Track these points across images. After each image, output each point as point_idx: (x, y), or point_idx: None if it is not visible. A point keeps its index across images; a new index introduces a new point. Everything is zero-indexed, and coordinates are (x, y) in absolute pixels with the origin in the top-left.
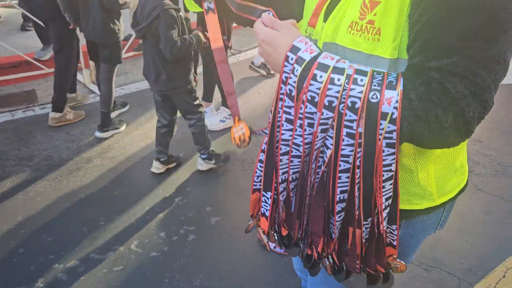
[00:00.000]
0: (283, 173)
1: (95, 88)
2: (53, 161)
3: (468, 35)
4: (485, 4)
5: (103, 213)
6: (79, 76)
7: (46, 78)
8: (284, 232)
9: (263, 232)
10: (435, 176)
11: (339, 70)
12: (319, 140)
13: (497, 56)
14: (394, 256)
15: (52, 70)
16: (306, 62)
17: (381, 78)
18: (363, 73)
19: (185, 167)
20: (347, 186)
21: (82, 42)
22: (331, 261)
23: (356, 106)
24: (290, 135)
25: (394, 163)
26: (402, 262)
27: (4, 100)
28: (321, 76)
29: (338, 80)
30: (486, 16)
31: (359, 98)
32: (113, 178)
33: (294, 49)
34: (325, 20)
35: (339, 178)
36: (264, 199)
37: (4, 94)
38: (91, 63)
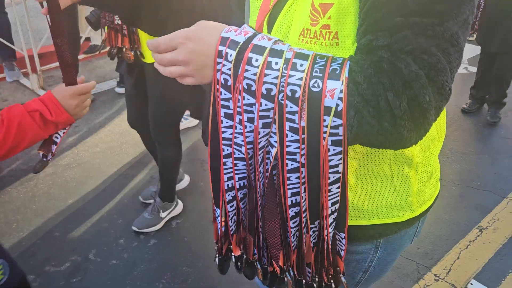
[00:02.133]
0: (228, 179)
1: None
2: (1, 172)
3: (417, 12)
4: None
5: (58, 223)
6: (26, 82)
7: None
8: (237, 253)
9: (216, 252)
10: (414, 182)
11: (276, 53)
12: (262, 137)
13: (450, 36)
14: (339, 269)
15: None
16: (240, 45)
17: (323, 63)
18: (304, 56)
19: (143, 170)
20: (298, 187)
21: (27, 46)
22: (292, 274)
23: (296, 95)
24: (231, 134)
25: (341, 163)
26: (345, 282)
27: None
28: (257, 60)
29: (276, 64)
30: None
31: (299, 86)
32: (66, 186)
33: (224, 40)
34: (269, 32)
35: (289, 179)
36: (217, 215)
37: None
38: (39, 67)
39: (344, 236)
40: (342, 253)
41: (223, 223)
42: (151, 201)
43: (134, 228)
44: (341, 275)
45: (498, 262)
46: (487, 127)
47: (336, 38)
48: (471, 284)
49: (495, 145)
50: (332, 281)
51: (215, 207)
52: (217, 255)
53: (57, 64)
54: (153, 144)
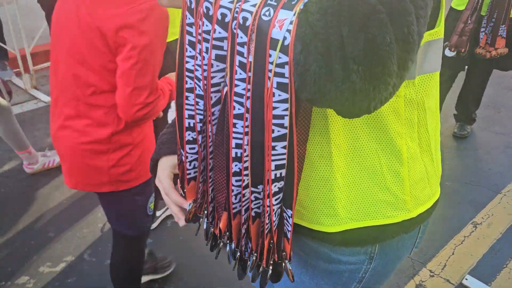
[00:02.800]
0: (189, 116)
1: (38, 93)
2: None
3: None
4: None
5: (52, 224)
6: (18, 82)
7: None
8: (190, 198)
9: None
10: (408, 179)
11: None
12: (216, 71)
13: None
14: (285, 253)
15: None
16: None
17: None
18: None
19: None
20: (241, 138)
21: (20, 45)
22: (231, 244)
23: (247, 23)
24: (193, 65)
25: (287, 115)
26: (291, 269)
27: None
28: None
29: None
30: None
31: (251, 13)
32: (61, 187)
33: None
34: None
35: (234, 126)
36: (180, 159)
37: None
38: (32, 67)
39: (291, 214)
40: (288, 235)
41: (183, 164)
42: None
43: None
44: (287, 261)
45: (492, 257)
46: (481, 124)
47: None
48: (466, 279)
49: (488, 141)
50: (270, 267)
51: (180, 150)
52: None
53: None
54: None
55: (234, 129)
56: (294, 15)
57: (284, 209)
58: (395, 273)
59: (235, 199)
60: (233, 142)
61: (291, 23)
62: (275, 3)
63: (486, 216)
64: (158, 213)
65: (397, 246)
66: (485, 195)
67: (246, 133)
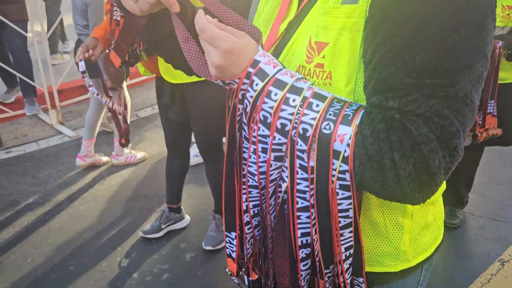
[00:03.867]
0: (245, 200)
1: (62, 128)
2: (18, 206)
3: (427, 72)
4: (444, 38)
5: (72, 257)
6: (45, 117)
7: (11, 121)
8: (254, 277)
9: (231, 275)
10: (408, 231)
11: (296, 90)
12: (273, 169)
13: (463, 96)
14: None
15: (18, 113)
16: (268, 77)
17: (339, 107)
18: (321, 98)
19: (158, 204)
20: (309, 228)
21: (47, 82)
22: None
23: (307, 134)
24: (248, 156)
25: (351, 208)
26: None
27: None
28: (276, 94)
29: (293, 101)
30: (446, 50)
31: (311, 125)
32: (82, 220)
33: (255, 63)
34: None
35: (299, 217)
36: (229, 240)
37: None
38: (58, 103)
39: (363, 281)
40: None
41: (238, 246)
42: (154, 235)
43: (208, 248)
44: None
45: None
46: (506, 156)
47: (329, 78)
48: None
49: None
50: None
51: (226, 232)
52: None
53: (75, 99)
54: (184, 165)
55: (298, 220)
56: (352, 131)
57: (355, 278)
58: None
59: (304, 282)
60: (299, 232)
61: (350, 138)
62: (334, 118)
63: None
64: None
65: (397, 285)
66: None
67: (314, 224)
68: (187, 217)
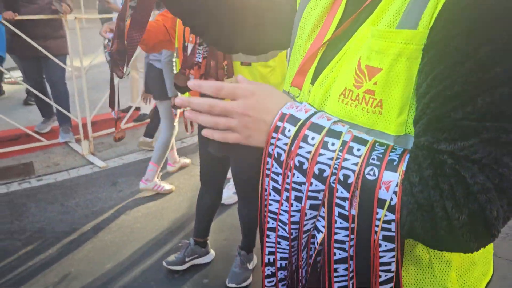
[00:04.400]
0: (270, 253)
1: (93, 159)
2: (45, 234)
3: (489, 114)
4: (511, 79)
5: (90, 284)
6: (77, 147)
7: (44, 150)
8: None
9: None
10: (456, 267)
11: (334, 133)
12: (308, 219)
13: None
14: None
15: (51, 142)
16: (301, 122)
17: (382, 151)
18: (362, 141)
19: (183, 237)
20: (346, 281)
21: (82, 114)
22: None
23: (349, 181)
24: (277, 208)
25: (394, 261)
26: None
27: (0, 173)
28: (313, 138)
29: (333, 145)
30: (510, 93)
31: (353, 171)
32: (106, 250)
33: (283, 116)
34: (312, 82)
35: (336, 270)
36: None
37: (1, 167)
38: (91, 134)
39: None
40: None
41: None
42: (178, 267)
43: (232, 285)
44: None
45: None
46: None
47: (379, 106)
48: None
49: None
50: None
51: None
52: None
53: (107, 131)
54: (215, 200)
55: (335, 273)
56: (399, 177)
57: None
58: None
59: None
60: (336, 286)
61: (396, 185)
62: (378, 163)
63: None
64: (249, 266)
65: None
66: None
67: (351, 278)
68: (212, 252)
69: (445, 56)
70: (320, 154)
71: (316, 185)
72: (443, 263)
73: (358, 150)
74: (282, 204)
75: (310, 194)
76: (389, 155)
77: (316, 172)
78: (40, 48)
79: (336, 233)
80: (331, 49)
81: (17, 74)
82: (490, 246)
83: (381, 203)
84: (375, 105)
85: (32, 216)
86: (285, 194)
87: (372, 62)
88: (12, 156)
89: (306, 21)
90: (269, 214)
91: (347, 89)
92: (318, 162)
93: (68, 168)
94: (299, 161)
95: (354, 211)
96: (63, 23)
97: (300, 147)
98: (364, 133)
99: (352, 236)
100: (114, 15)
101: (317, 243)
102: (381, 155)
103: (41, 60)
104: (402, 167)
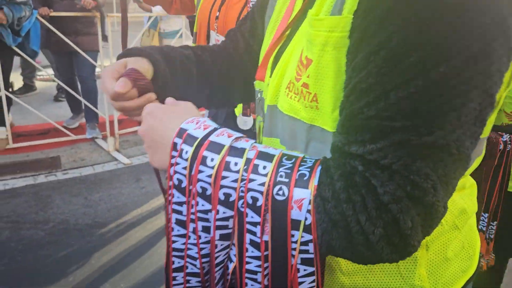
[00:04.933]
0: None
1: (118, 155)
2: (68, 225)
3: (402, 111)
4: (426, 71)
5: (112, 279)
6: (103, 143)
7: (71, 145)
8: None
9: None
10: (425, 264)
11: (237, 152)
12: (220, 251)
13: (445, 144)
14: None
15: (79, 137)
16: (198, 140)
17: (291, 165)
18: (268, 157)
19: None
20: None
21: (110, 112)
22: None
23: (258, 204)
24: (183, 243)
25: (314, 286)
26: None
27: (28, 165)
28: (212, 160)
29: (235, 165)
30: (427, 86)
31: (261, 193)
32: (126, 244)
33: (182, 132)
34: (271, 75)
35: None
36: None
37: (30, 160)
38: (117, 131)
39: None
40: None
41: None
42: None
43: None
44: None
45: None
46: None
47: (315, 101)
48: None
49: None
50: None
51: None
52: None
53: (132, 129)
54: None
55: None
56: (311, 194)
57: None
58: None
59: None
60: None
61: (309, 203)
62: (287, 180)
63: None
64: None
65: None
66: None
67: None
68: None
69: (362, 45)
70: (223, 177)
71: (224, 212)
72: (408, 259)
73: (264, 167)
74: (189, 238)
75: (218, 223)
76: (298, 170)
77: (222, 197)
78: (70, 43)
79: (247, 263)
80: (287, 41)
81: (51, 72)
82: (472, 239)
83: (295, 224)
84: (311, 99)
85: (57, 207)
86: (191, 225)
87: (308, 53)
88: (41, 150)
89: (271, 14)
90: (174, 253)
91: (291, 82)
92: (222, 186)
93: (93, 163)
94: (201, 187)
95: (266, 237)
96: (94, 20)
97: (200, 171)
98: (302, 138)
99: (266, 265)
100: (146, 15)
101: (229, 273)
102: (289, 171)
103: (73, 56)
104: (314, 181)
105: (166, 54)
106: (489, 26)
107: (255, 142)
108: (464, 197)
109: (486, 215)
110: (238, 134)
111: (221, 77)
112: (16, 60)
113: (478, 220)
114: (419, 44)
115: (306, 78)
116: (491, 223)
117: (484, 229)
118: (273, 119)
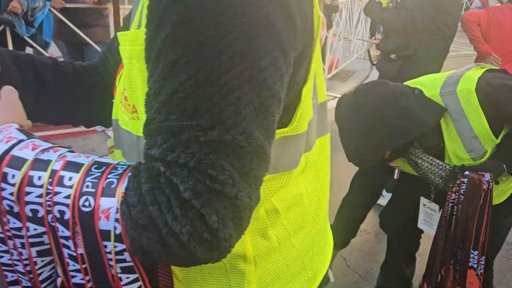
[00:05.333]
0: None
1: None
2: None
3: (185, 112)
4: (187, 66)
5: None
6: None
7: (82, 136)
8: None
9: None
10: (254, 280)
11: (41, 164)
12: (42, 267)
13: (230, 137)
14: None
15: (90, 129)
16: None
17: (99, 174)
18: (75, 167)
19: None
20: None
21: None
22: None
23: (66, 217)
24: (9, 259)
25: None
26: None
27: None
28: (13, 176)
29: (39, 179)
30: (197, 84)
31: (67, 205)
32: None
33: None
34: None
35: None
36: None
37: None
38: None
39: None
40: None
41: None
42: None
43: None
44: None
45: None
46: None
47: (136, 112)
48: None
49: None
50: None
51: None
52: None
53: None
54: None
55: None
56: (118, 202)
57: None
58: None
59: None
60: None
61: (117, 211)
62: (93, 190)
63: None
64: None
65: None
66: None
67: None
68: None
69: (150, 54)
70: (27, 193)
71: (35, 229)
72: (237, 274)
73: (70, 179)
74: (12, 254)
75: (31, 240)
76: (107, 178)
77: (29, 214)
78: (82, 34)
79: (72, 277)
80: None
81: None
82: (306, 249)
83: (105, 235)
84: (132, 111)
85: None
86: (10, 242)
87: (125, 68)
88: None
89: None
90: (4, 268)
91: (123, 96)
92: (28, 203)
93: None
94: (8, 205)
95: (81, 250)
96: (103, 12)
97: (3, 189)
98: (135, 150)
99: (88, 278)
100: None
101: None
102: (96, 180)
103: (84, 47)
104: (121, 188)
105: (16, 54)
106: (249, 24)
107: (68, 152)
108: (302, 209)
109: (476, 252)
110: (48, 145)
111: (84, 92)
112: (28, 51)
113: (467, 259)
114: (186, 46)
115: (125, 91)
116: (480, 259)
117: (475, 266)
118: (117, 133)
